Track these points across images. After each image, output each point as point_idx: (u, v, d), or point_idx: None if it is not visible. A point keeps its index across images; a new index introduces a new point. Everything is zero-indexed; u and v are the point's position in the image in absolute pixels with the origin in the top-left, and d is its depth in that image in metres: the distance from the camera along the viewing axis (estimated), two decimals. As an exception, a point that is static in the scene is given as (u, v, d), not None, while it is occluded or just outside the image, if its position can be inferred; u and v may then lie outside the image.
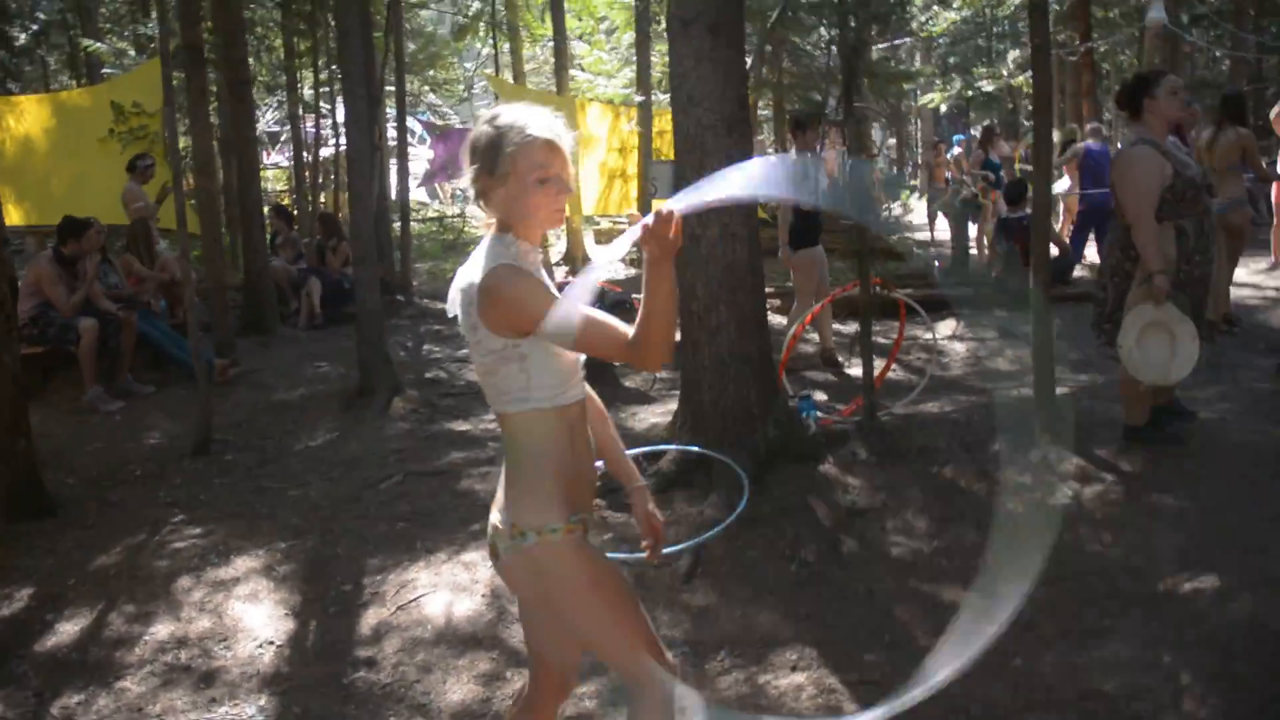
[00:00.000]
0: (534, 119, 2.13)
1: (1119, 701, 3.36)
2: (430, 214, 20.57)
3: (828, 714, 3.43)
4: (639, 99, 12.79)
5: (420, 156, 21.85)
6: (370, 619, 4.18)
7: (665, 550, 2.65)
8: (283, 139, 20.17)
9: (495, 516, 2.24)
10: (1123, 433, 5.20)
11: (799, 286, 7.76)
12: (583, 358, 2.23)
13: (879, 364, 6.87)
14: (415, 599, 4.31)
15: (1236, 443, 5.18)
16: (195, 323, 6.63)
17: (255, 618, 4.20)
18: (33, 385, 6.48)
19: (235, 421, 6.79)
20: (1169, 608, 3.85)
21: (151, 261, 8.61)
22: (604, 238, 16.69)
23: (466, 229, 18.89)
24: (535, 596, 2.29)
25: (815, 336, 8.24)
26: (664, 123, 13.47)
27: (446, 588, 4.40)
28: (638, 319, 2.00)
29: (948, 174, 15.00)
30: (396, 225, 12.44)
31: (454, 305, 2.20)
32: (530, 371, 2.11)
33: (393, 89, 13.34)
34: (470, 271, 2.13)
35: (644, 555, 2.55)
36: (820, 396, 6.75)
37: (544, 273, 2.25)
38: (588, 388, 2.33)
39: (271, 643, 4.01)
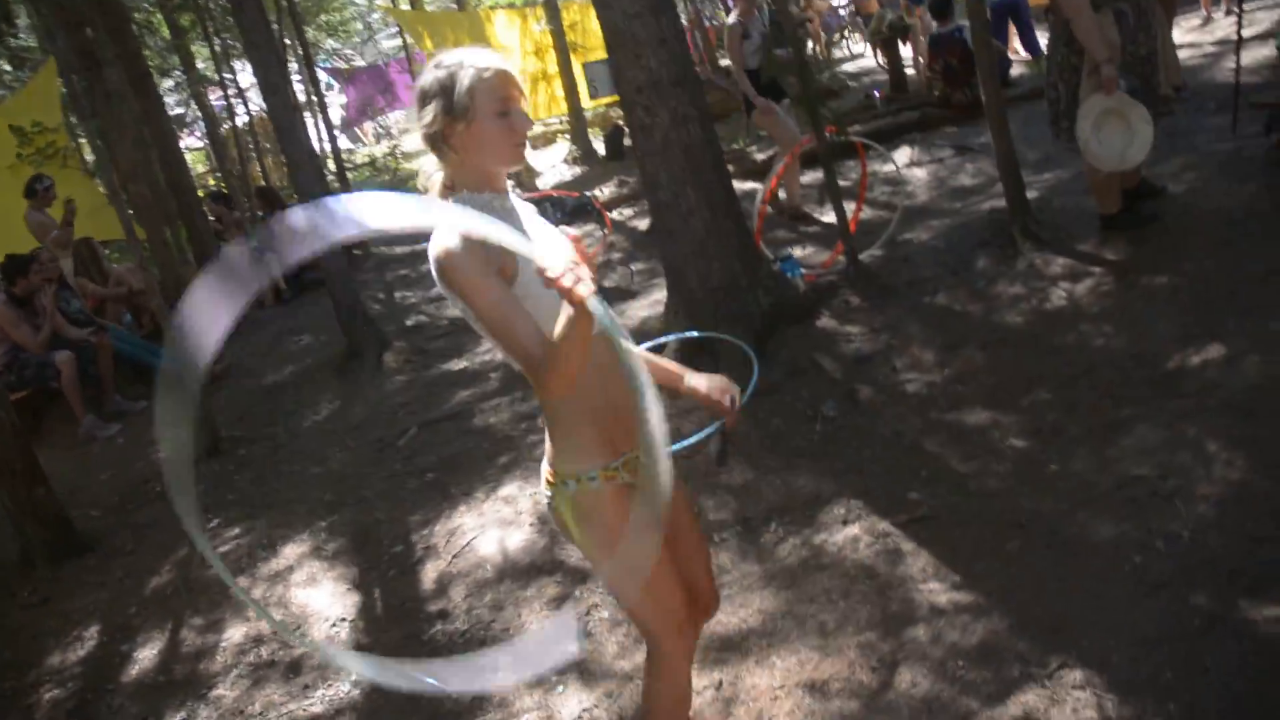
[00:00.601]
0: (482, 55, 2.07)
1: (1155, 483, 3.50)
2: (360, 159, 20.16)
3: (888, 560, 3.57)
4: (542, -4, 12.52)
5: (333, 103, 21.35)
6: (430, 573, 4.27)
7: (689, 440, 2.61)
8: (189, 120, 19.58)
9: (544, 465, 2.26)
10: (1100, 223, 5.28)
11: (777, 139, 7.68)
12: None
13: (850, 209, 6.91)
14: (467, 544, 4.40)
15: (1209, 209, 5.28)
16: (169, 327, 6.56)
17: (320, 599, 4.29)
18: (27, 429, 6.43)
19: (237, 415, 6.79)
20: (1183, 383, 3.98)
21: (104, 279, 8.46)
22: (538, 142, 16.44)
23: (400, 165, 18.55)
24: (576, 542, 2.31)
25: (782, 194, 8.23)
26: (573, 14, 13.18)
27: (494, 525, 4.48)
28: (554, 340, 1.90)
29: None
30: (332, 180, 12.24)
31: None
32: (535, 316, 2.02)
33: (294, 46, 12.95)
34: (433, 244, 1.99)
35: (717, 428, 2.53)
36: (800, 253, 6.79)
37: (517, 213, 2.18)
38: None
39: (344, 619, 4.11)
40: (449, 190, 2.13)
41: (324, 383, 7.09)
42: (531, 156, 15.65)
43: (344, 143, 21.13)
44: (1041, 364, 4.46)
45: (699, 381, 2.34)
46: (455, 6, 15.36)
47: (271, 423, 6.52)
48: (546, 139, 16.29)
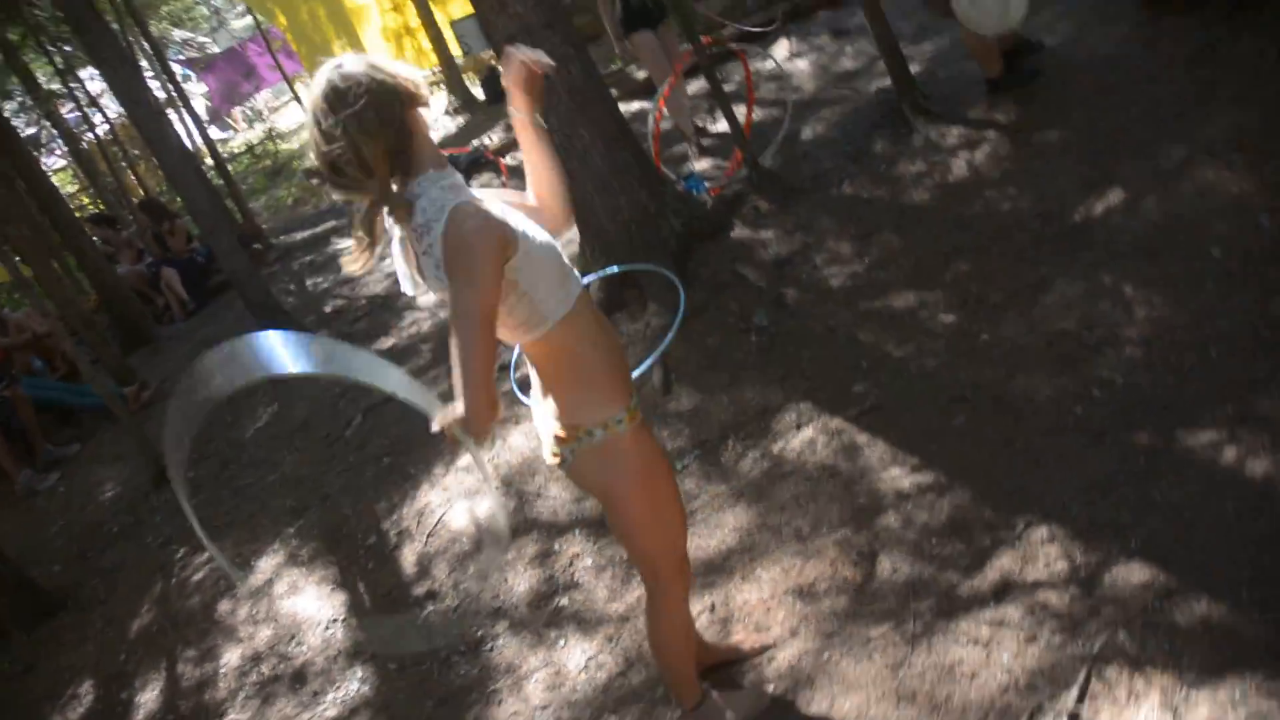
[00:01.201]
0: (350, 59, 2.04)
1: (1082, 334, 3.67)
2: (237, 147, 19.57)
3: (847, 455, 3.70)
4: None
5: (195, 94, 20.61)
6: (409, 557, 4.32)
7: (633, 373, 2.70)
8: (44, 140, 18.75)
9: (551, 428, 2.30)
10: (986, 88, 5.39)
11: (651, 71, 7.62)
12: (561, 257, 2.18)
13: (740, 114, 6.92)
14: (438, 521, 4.45)
15: (1087, 58, 5.39)
16: (87, 365, 6.43)
17: (307, 606, 4.32)
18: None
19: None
20: (1091, 233, 4.13)
21: (3, 328, 8.19)
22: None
23: (278, 148, 18.05)
24: (599, 489, 2.38)
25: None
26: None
27: (459, 497, 4.53)
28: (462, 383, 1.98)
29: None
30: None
31: (409, 285, 2.18)
32: (532, 294, 2.10)
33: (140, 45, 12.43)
34: (427, 232, 2.02)
35: (656, 358, 2.60)
36: (700, 167, 6.81)
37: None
38: None
39: (335, 620, 4.15)
40: (406, 181, 2.08)
41: (256, 387, 6.98)
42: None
43: (216, 133, 20.48)
44: (955, 236, 4.59)
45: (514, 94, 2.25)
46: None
47: (212, 439, 6.43)
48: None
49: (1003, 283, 4.13)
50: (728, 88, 7.37)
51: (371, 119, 1.97)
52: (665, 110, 6.74)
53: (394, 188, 2.06)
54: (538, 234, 2.12)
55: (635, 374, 3.35)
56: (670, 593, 2.52)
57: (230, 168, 15.42)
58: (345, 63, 2.01)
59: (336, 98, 1.97)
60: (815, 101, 6.84)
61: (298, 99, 16.82)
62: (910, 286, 4.45)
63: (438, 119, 13.85)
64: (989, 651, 2.71)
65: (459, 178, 2.13)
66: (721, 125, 6.93)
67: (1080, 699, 2.48)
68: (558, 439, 2.30)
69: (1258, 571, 2.57)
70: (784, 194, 5.75)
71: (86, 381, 7.17)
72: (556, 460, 2.32)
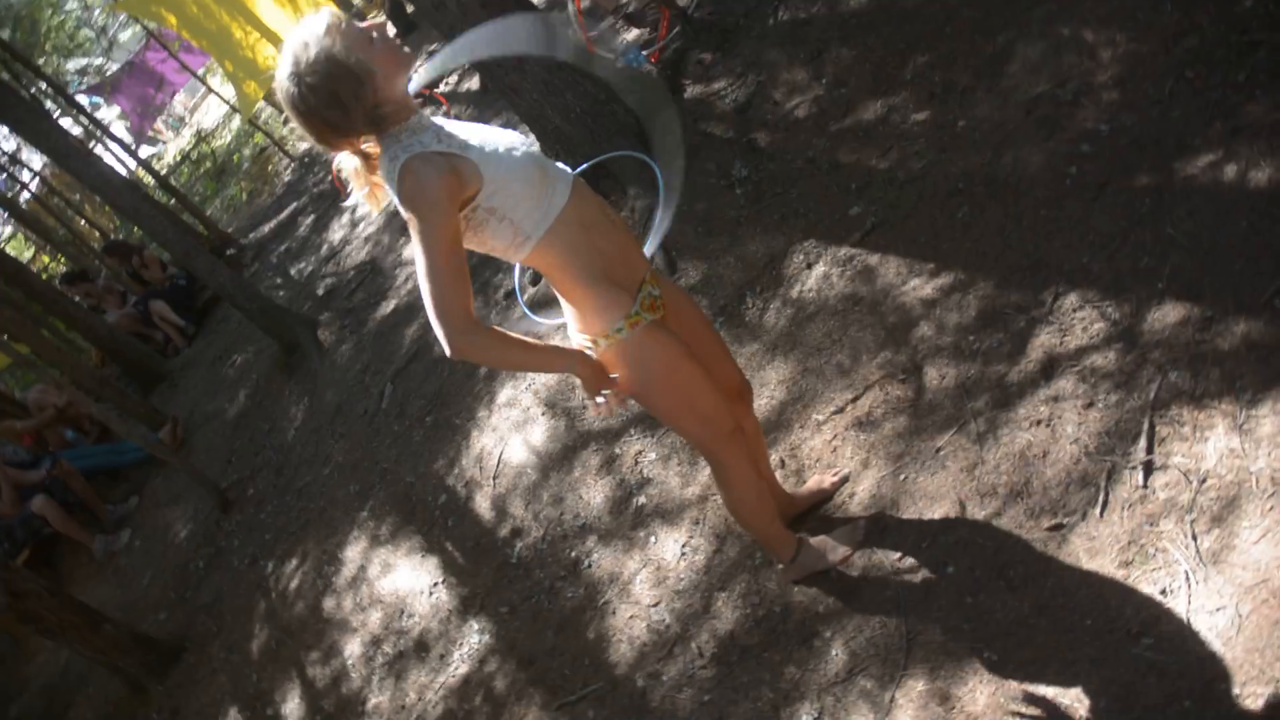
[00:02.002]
0: (310, 28, 2.04)
1: (1057, 93, 3.65)
2: (172, 160, 19.24)
3: (864, 279, 3.73)
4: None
5: (111, 119, 20.18)
6: (483, 504, 4.43)
7: None
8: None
9: (574, 338, 2.40)
10: None
11: None
12: (540, 155, 2.22)
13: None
14: (499, 462, 4.54)
15: None
16: (117, 421, 6.51)
17: (405, 579, 4.46)
18: (52, 581, 6.45)
19: (223, 462, 6.79)
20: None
21: (24, 411, 8.26)
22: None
23: (216, 146, 17.75)
24: (631, 383, 2.45)
25: None
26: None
27: (511, 433, 4.61)
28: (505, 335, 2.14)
29: None
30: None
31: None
32: (510, 217, 2.15)
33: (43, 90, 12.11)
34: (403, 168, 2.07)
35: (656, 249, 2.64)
36: (632, 36, 6.67)
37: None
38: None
39: (435, 583, 4.29)
40: (387, 139, 2.12)
41: (280, 389, 7.06)
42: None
43: (146, 151, 20.12)
44: (904, 31, 4.51)
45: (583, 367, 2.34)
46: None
47: (258, 451, 6.53)
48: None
49: (964, 63, 4.09)
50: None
51: (326, 95, 2.02)
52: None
53: (364, 147, 2.17)
54: (509, 154, 2.14)
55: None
56: (727, 461, 2.61)
57: (174, 182, 15.21)
58: (309, 40, 2.02)
59: (299, 73, 2.02)
60: (723, -66, 6.63)
61: (212, 91, 16.44)
62: (875, 95, 4.41)
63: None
64: (1053, 428, 2.79)
65: (424, 121, 2.14)
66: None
67: (1150, 447, 2.57)
68: (581, 345, 2.39)
69: (1286, 275, 2.62)
70: (722, 39, 5.64)
71: (122, 438, 7.27)
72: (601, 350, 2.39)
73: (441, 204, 2.04)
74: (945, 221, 3.63)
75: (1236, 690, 2.11)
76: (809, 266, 4.00)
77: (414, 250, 2.06)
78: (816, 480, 3.22)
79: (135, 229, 13.40)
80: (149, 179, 12.83)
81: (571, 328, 2.40)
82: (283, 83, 2.05)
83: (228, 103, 15.16)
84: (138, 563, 6.57)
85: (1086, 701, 2.29)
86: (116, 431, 6.82)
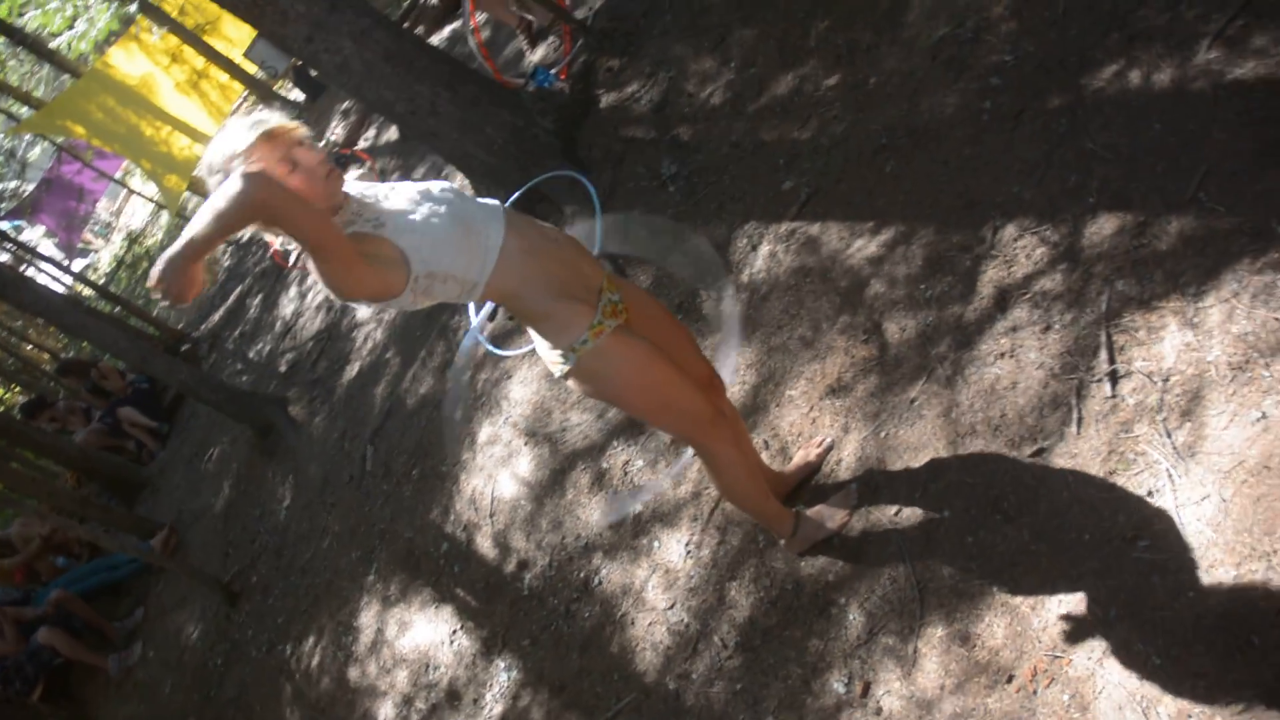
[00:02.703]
0: (234, 136, 2.13)
1: (958, 33, 3.72)
2: (108, 268, 19.09)
3: (809, 250, 3.79)
4: (133, 8, 11.60)
5: (37, 239, 20.01)
6: (485, 543, 4.45)
7: None
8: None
9: (546, 358, 2.46)
10: None
11: None
12: (464, 203, 2.28)
13: None
14: (492, 499, 4.56)
15: None
16: (105, 538, 6.48)
17: (423, 634, 4.47)
18: (72, 711, 6.41)
19: (221, 555, 6.77)
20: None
21: (9, 548, 8.19)
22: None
23: (150, 245, 17.62)
24: (597, 397, 2.57)
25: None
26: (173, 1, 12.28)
27: (498, 469, 4.63)
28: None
29: None
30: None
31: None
32: (451, 274, 2.23)
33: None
34: None
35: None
36: (538, 57, 6.71)
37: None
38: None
39: (454, 631, 4.30)
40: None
41: (262, 473, 7.04)
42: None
43: (80, 263, 19.94)
44: (800, 2, 4.58)
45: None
46: (68, 78, 14.19)
47: (253, 538, 6.51)
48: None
49: (864, 21, 4.16)
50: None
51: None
52: (478, 17, 6.62)
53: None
54: (428, 223, 2.20)
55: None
56: (714, 449, 2.67)
57: (114, 289, 15.11)
58: (230, 151, 2.12)
59: (219, 172, 2.14)
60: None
61: (134, 192, 16.34)
62: (784, 69, 4.47)
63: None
64: (1017, 358, 2.86)
65: (350, 208, 2.21)
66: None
67: (1111, 358, 2.63)
68: (552, 363, 2.45)
69: (1205, 171, 2.70)
70: (626, 43, 5.69)
71: (114, 553, 7.23)
72: (561, 369, 2.45)
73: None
74: (876, 178, 3.69)
75: (1234, 572, 2.17)
76: (754, 248, 4.05)
77: (405, 304, 2.24)
78: (802, 454, 3.27)
79: (84, 344, 13.31)
80: (88, 291, 12.72)
81: (541, 349, 2.45)
82: (210, 177, 2.13)
83: (152, 200, 15.09)
84: (155, 673, 6.53)
85: (1099, 612, 2.34)
86: (107, 548, 6.79)
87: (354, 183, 2.37)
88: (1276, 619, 2.07)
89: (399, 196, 2.27)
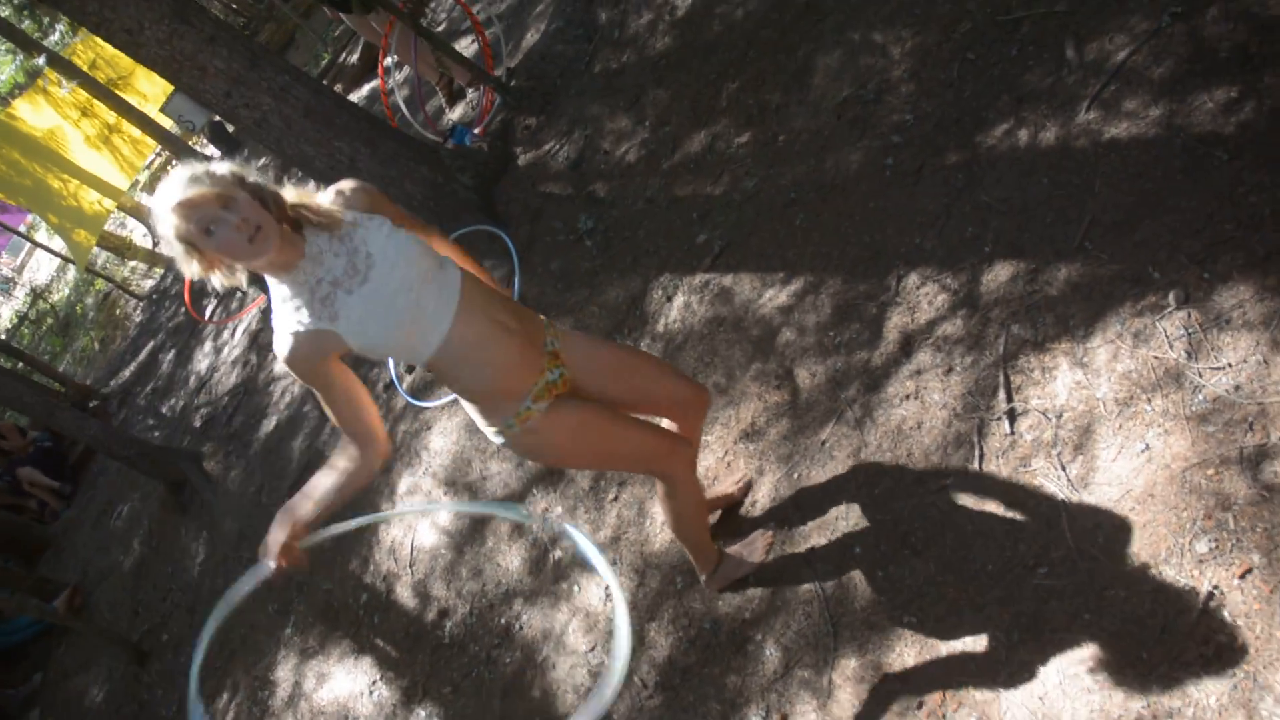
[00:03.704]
0: (162, 195, 2.11)
1: (861, 94, 3.91)
2: (11, 321, 18.52)
3: (722, 300, 3.91)
4: (41, 60, 11.43)
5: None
6: (404, 593, 4.43)
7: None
8: None
9: (479, 424, 2.49)
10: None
11: (370, 38, 7.42)
12: (419, 294, 2.23)
13: (469, 51, 6.91)
14: (412, 549, 4.55)
15: None
16: (5, 601, 6.25)
17: (342, 685, 4.42)
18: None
19: (130, 614, 6.58)
20: (823, 1, 4.35)
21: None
22: (154, 187, 15.35)
23: (55, 301, 17.15)
24: (547, 460, 2.68)
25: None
26: (85, 55, 12.14)
27: (417, 519, 4.62)
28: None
29: None
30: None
31: None
32: (390, 354, 2.30)
33: None
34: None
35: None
36: (457, 115, 6.81)
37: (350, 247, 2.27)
38: (459, 272, 2.36)
39: (374, 681, 4.27)
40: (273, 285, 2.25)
41: (175, 529, 6.88)
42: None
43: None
44: (712, 63, 4.76)
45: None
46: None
47: (164, 595, 6.35)
48: (161, 179, 15.27)
49: (773, 82, 4.34)
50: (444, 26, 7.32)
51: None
52: (399, 75, 6.71)
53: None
54: (385, 314, 2.19)
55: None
56: (676, 476, 2.69)
57: (16, 345, 14.67)
58: (158, 207, 2.11)
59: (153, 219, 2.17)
60: (522, 2, 6.86)
61: (40, 246, 15.95)
62: (697, 127, 4.63)
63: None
64: (921, 399, 3.00)
65: (304, 274, 2.22)
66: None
67: (1009, 397, 2.79)
68: (491, 436, 2.48)
69: (1089, 221, 2.89)
70: (544, 101, 5.83)
71: (12, 616, 6.97)
72: (498, 442, 2.48)
73: (320, 377, 2.23)
74: (786, 231, 3.84)
75: (1125, 594, 2.31)
76: (669, 299, 4.17)
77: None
78: (720, 487, 3.36)
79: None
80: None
81: (477, 421, 2.49)
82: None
83: (59, 255, 14.74)
84: (57, 738, 6.30)
85: (1002, 638, 2.46)
86: (6, 610, 6.54)
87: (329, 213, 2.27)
88: (1161, 636, 2.21)
89: (361, 266, 2.22)
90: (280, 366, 6.98)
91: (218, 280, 2.20)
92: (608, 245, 4.66)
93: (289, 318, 2.18)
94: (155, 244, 13.68)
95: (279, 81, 5.01)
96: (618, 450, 2.59)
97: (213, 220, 2.09)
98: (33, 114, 11.74)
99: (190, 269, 2.14)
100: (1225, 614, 2.15)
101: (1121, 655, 2.25)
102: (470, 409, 2.46)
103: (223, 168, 2.14)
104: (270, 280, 2.21)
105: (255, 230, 2.12)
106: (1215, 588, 2.19)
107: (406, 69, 7.56)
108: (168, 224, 2.10)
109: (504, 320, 2.35)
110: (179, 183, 2.12)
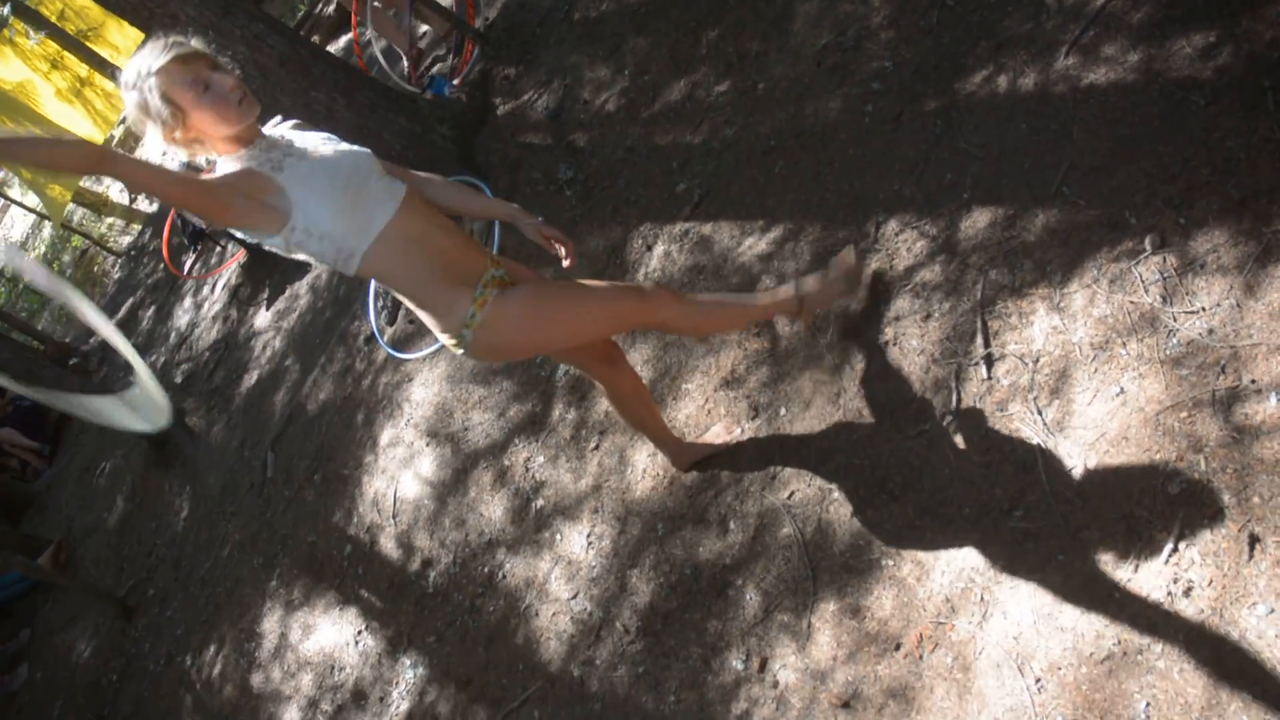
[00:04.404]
0: (150, 54, 2.15)
1: (840, 40, 3.89)
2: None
3: (702, 249, 3.91)
4: (6, 10, 11.22)
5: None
6: (389, 544, 4.46)
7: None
8: None
9: (442, 339, 2.50)
10: None
11: None
12: (365, 178, 2.30)
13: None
14: (395, 500, 4.57)
15: None
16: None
17: (328, 636, 4.45)
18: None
19: (116, 570, 6.60)
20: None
21: None
22: (130, 144, 15.14)
23: (32, 257, 16.95)
24: (512, 356, 2.65)
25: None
26: (56, 2, 11.91)
27: (400, 470, 4.64)
28: None
29: None
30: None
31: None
32: (327, 235, 2.26)
33: None
34: None
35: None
36: (438, 69, 6.74)
37: (297, 141, 2.34)
38: (405, 181, 2.47)
39: (359, 631, 4.30)
40: (224, 160, 2.26)
41: (158, 485, 6.88)
42: (144, 158, 14.50)
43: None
44: (691, 10, 4.72)
45: (532, 228, 2.61)
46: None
47: (149, 550, 6.37)
48: (138, 134, 15.05)
49: (752, 30, 4.31)
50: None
51: (143, 114, 2.20)
52: (371, 31, 6.62)
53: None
54: (325, 178, 2.24)
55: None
56: (661, 309, 2.65)
57: (-4, 303, 14.55)
58: (140, 70, 2.15)
59: (127, 86, 2.18)
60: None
61: (13, 202, 15.76)
62: (676, 76, 4.60)
63: (164, 154, 13.17)
64: (899, 345, 3.01)
65: (262, 143, 2.28)
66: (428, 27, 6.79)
67: (986, 342, 2.81)
68: (447, 344, 2.50)
69: (1067, 167, 2.89)
70: (522, 51, 5.77)
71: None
72: (459, 351, 2.49)
73: (233, 183, 2.17)
74: (765, 179, 3.83)
75: (1099, 535, 2.35)
76: (649, 249, 4.16)
77: (282, 246, 2.28)
78: (714, 432, 3.37)
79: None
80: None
81: (435, 331, 2.49)
82: (125, 92, 2.17)
83: (34, 211, 14.57)
84: (42, 696, 6.34)
85: (978, 580, 2.50)
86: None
87: (279, 125, 2.43)
88: (1133, 575, 2.25)
89: (311, 147, 2.30)
90: (261, 320, 6.96)
91: (183, 154, 2.26)
92: (588, 195, 4.64)
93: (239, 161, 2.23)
94: (132, 200, 13.53)
95: (253, 29, 4.94)
96: (588, 315, 2.55)
97: (206, 80, 2.15)
98: (1, 66, 11.53)
99: (162, 137, 2.18)
100: (1195, 552, 2.19)
101: (1094, 595, 2.28)
102: (428, 320, 2.45)
103: (198, 42, 2.18)
104: (222, 159, 2.25)
105: (244, 94, 2.21)
106: (1186, 528, 2.23)
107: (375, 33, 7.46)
108: (153, 85, 2.12)
109: (441, 223, 2.42)
110: (162, 46, 2.14)
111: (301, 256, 2.33)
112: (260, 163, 2.21)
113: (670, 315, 2.68)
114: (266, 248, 2.30)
